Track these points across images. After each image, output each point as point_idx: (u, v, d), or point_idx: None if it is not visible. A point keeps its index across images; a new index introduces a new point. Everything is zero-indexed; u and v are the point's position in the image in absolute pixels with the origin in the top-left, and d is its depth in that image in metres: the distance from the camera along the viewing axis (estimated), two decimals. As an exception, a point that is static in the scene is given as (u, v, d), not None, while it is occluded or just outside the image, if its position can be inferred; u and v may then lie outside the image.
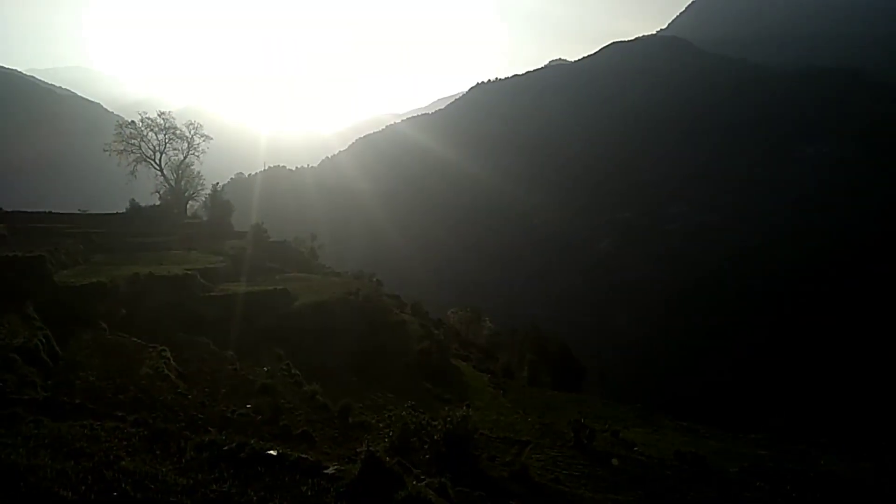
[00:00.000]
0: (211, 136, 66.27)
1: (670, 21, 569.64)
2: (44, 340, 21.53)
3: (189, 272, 35.47)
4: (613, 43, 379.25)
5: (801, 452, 29.90)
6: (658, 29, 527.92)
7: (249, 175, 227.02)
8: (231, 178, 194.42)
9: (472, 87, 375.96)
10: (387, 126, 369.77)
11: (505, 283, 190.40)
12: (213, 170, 78.45)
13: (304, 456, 10.68)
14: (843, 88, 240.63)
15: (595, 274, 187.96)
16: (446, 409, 23.36)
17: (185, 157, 63.53)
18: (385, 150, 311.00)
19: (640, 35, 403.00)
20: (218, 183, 70.29)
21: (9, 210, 51.47)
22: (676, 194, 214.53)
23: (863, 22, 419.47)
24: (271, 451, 10.49)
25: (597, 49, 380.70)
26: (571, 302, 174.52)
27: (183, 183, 63.50)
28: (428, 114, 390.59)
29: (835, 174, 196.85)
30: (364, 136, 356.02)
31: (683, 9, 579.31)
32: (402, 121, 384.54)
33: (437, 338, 43.30)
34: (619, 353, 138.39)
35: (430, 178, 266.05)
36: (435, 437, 18.64)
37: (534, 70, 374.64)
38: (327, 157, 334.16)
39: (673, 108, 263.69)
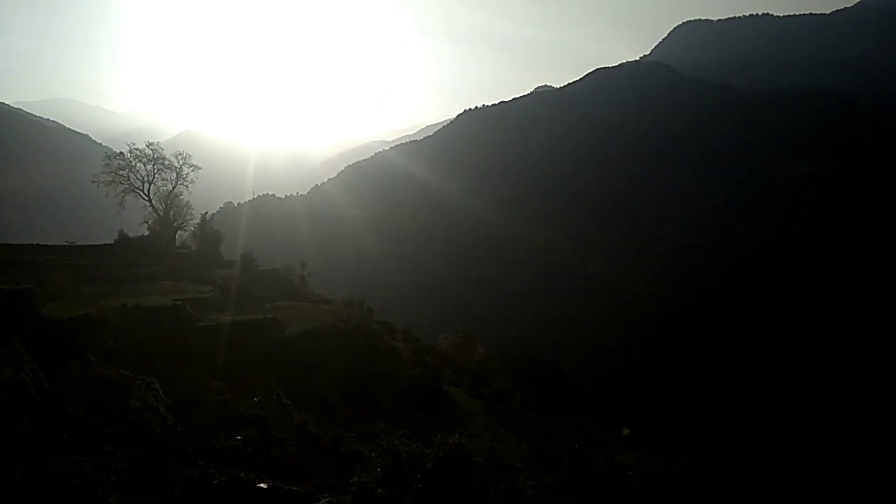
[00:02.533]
0: (200, 165, 66.22)
1: (653, 47, 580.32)
2: (31, 374, 21.28)
3: (178, 302, 35.27)
4: (598, 69, 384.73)
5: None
6: (641, 55, 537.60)
7: (238, 204, 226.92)
8: (220, 207, 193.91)
9: (459, 114, 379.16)
10: (375, 153, 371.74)
11: (495, 308, 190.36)
12: (202, 199, 78.39)
13: (295, 488, 10.55)
14: (824, 110, 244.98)
15: (584, 296, 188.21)
16: (439, 436, 23.09)
17: (173, 187, 63.32)
18: (374, 176, 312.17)
19: (625, 61, 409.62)
20: (207, 212, 70.05)
21: (-5, 242, 51.16)
22: (663, 216, 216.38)
23: (844, 45, 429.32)
24: (262, 485, 10.37)
25: (582, 75, 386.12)
26: (562, 325, 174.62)
27: (172, 213, 63.22)
28: (416, 140, 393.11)
29: (817, 194, 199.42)
30: (353, 164, 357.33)
31: (666, 35, 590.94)
32: (391, 148, 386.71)
33: (428, 364, 43.06)
34: (611, 375, 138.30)
35: (419, 205, 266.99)
36: (428, 466, 18.40)
37: (520, 96, 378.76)
38: (316, 184, 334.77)
39: (658, 132, 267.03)
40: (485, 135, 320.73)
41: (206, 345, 31.62)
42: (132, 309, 32.20)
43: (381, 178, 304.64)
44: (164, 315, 33.14)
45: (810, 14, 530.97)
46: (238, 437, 20.98)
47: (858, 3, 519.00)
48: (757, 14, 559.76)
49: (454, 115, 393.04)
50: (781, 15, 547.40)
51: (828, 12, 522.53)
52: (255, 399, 26.94)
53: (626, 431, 23.96)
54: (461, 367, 60.85)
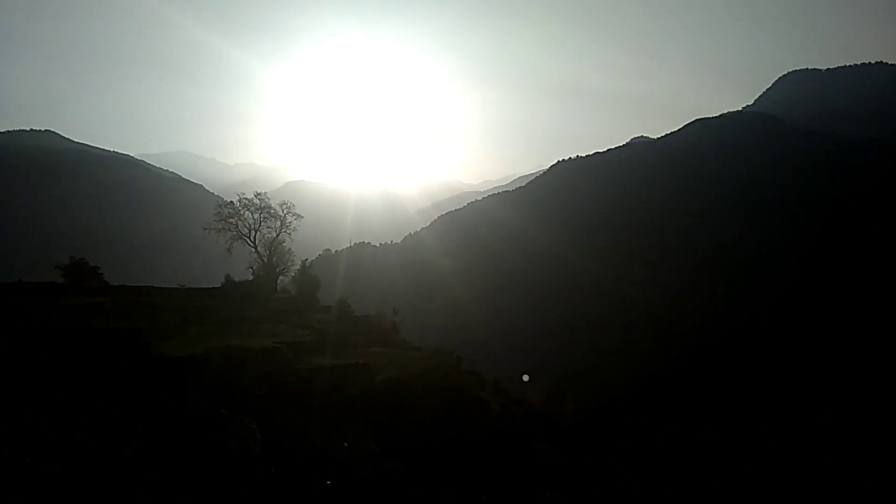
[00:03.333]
0: (303, 214, 69.52)
1: (757, 97, 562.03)
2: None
3: (277, 345, 36.70)
4: (697, 119, 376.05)
5: None
6: (744, 105, 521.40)
7: (336, 251, 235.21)
8: (319, 254, 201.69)
9: (552, 165, 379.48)
10: (468, 203, 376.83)
11: (587, 361, 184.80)
12: (303, 246, 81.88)
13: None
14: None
15: (688, 351, 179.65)
16: (524, 494, 22.66)
17: (277, 235, 66.65)
18: (467, 225, 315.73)
19: (726, 111, 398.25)
20: (307, 259, 73.01)
21: (114, 284, 55.46)
22: (764, 273, 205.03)
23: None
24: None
25: (681, 126, 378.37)
26: (662, 384, 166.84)
27: (275, 259, 66.35)
28: (508, 191, 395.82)
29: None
30: (446, 213, 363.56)
31: (770, 84, 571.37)
32: (484, 197, 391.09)
33: (517, 417, 42.37)
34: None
35: (511, 254, 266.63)
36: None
37: (615, 147, 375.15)
38: (410, 232, 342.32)
39: (761, 184, 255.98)
40: (578, 185, 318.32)
41: (302, 387, 32.62)
42: (235, 350, 33.80)
43: (474, 227, 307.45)
44: (265, 357, 34.54)
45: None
46: (328, 482, 21.35)
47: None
48: (870, 62, 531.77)
49: (547, 166, 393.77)
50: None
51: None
52: (345, 444, 27.37)
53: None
54: (552, 420, 59.32)
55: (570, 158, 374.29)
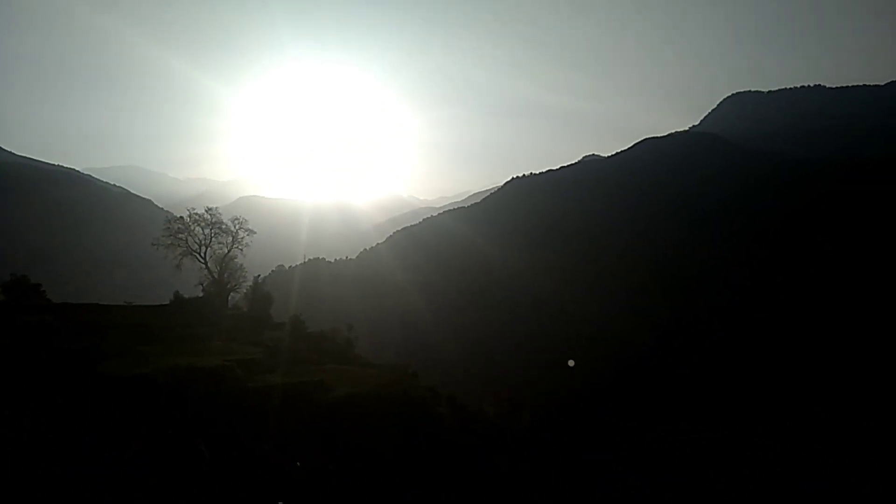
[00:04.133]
0: (255, 230, 68.40)
1: (703, 117, 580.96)
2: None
3: (228, 363, 35.89)
4: (647, 139, 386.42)
5: None
6: (690, 125, 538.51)
7: (290, 267, 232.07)
8: (272, 270, 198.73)
9: (507, 182, 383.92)
10: (424, 218, 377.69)
11: (542, 375, 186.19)
12: (256, 262, 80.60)
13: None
14: (885, 180, 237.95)
15: (635, 369, 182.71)
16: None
17: (229, 251, 65.37)
18: (423, 241, 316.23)
19: (674, 131, 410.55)
20: (259, 275, 71.82)
21: (58, 302, 53.39)
22: (711, 287, 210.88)
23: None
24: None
25: (630, 144, 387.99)
26: (609, 398, 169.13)
27: (226, 275, 65.03)
28: (464, 206, 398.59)
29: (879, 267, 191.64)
30: (402, 228, 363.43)
31: (715, 105, 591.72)
32: (440, 213, 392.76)
33: (474, 432, 42.30)
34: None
35: (468, 270, 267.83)
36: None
37: (568, 165, 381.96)
38: (365, 248, 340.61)
39: (706, 202, 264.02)
40: (533, 202, 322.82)
41: (254, 406, 31.90)
42: (184, 369, 32.91)
43: (430, 243, 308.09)
44: (215, 376, 33.71)
45: (864, 85, 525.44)
46: (280, 503, 20.90)
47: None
48: (809, 85, 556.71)
49: (501, 183, 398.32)
50: (834, 86, 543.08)
51: (882, 83, 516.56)
52: (298, 464, 26.84)
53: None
54: (508, 432, 59.43)
55: (523, 175, 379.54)
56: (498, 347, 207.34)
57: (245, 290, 66.97)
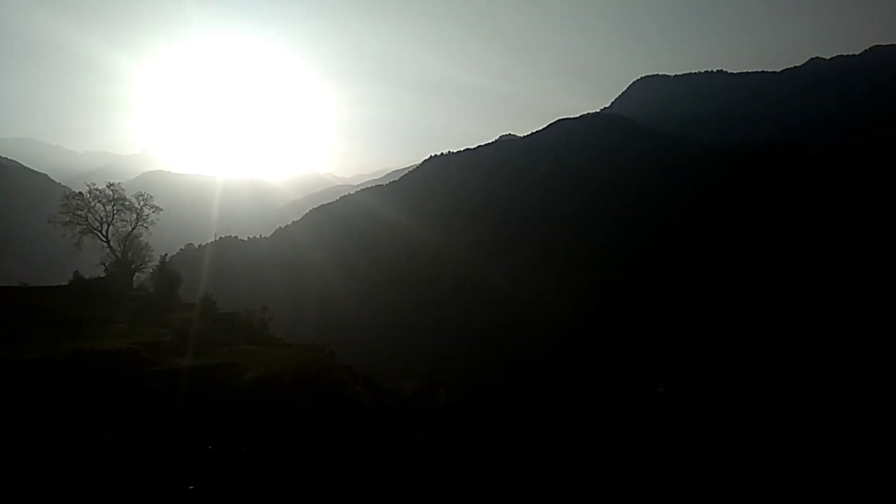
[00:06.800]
0: (161, 207, 65.59)
1: (613, 99, 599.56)
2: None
3: (133, 346, 34.47)
4: (561, 119, 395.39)
5: None
6: (602, 107, 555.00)
7: (200, 246, 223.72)
8: (181, 249, 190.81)
9: (425, 160, 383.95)
10: (341, 196, 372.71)
11: (462, 350, 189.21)
12: (164, 241, 77.38)
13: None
14: (773, 163, 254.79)
15: (551, 343, 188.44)
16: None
17: (133, 229, 62.55)
18: (341, 219, 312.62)
19: (586, 112, 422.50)
20: (167, 254, 69.07)
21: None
22: (628, 264, 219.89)
23: (793, 100, 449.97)
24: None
25: (545, 125, 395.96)
26: (526, 370, 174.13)
27: (130, 255, 62.25)
28: (382, 185, 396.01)
29: (775, 244, 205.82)
30: (320, 206, 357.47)
31: (625, 88, 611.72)
32: (358, 191, 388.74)
33: (390, 410, 42.61)
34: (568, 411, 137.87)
35: (387, 247, 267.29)
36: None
37: (485, 144, 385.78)
38: (281, 227, 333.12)
39: (617, 182, 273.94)
40: (451, 180, 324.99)
41: (161, 390, 30.83)
42: (85, 353, 31.33)
43: (349, 221, 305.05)
44: (119, 359, 32.30)
45: (762, 72, 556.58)
46: (191, 487, 20.42)
47: (807, 62, 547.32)
48: (712, 70, 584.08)
49: (419, 161, 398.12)
50: (735, 72, 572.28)
51: (778, 70, 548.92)
52: (209, 447, 26.22)
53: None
54: (424, 413, 60.22)
55: (441, 154, 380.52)
56: (418, 326, 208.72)
57: (151, 270, 64.47)
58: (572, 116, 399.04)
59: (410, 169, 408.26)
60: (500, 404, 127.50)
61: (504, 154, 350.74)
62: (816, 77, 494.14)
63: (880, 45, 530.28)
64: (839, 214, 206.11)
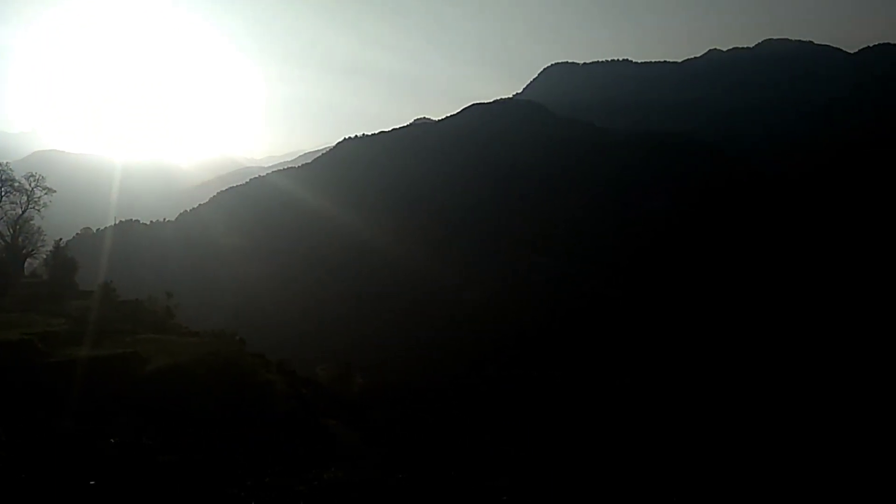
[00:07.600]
0: (55, 188, 61.70)
1: (525, 86, 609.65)
2: None
3: (26, 337, 32.50)
4: (474, 104, 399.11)
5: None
6: (515, 93, 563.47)
7: (98, 230, 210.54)
8: (77, 234, 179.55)
9: (339, 142, 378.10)
10: (252, 178, 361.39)
11: (377, 334, 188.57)
12: (59, 225, 72.92)
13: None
14: (677, 150, 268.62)
15: (464, 324, 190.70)
16: (313, 471, 22.84)
17: (23, 212, 58.78)
18: (252, 201, 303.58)
19: (499, 98, 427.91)
20: (61, 239, 65.15)
21: None
22: (538, 246, 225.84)
23: (694, 91, 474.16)
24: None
25: (458, 109, 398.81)
26: (443, 353, 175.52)
27: (21, 239, 58.46)
28: (295, 167, 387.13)
29: (671, 227, 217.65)
30: (229, 188, 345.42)
31: (536, 75, 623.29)
32: (270, 173, 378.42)
33: (304, 397, 42.17)
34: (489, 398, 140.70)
35: (301, 231, 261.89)
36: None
37: (400, 127, 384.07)
38: (187, 209, 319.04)
39: (529, 166, 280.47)
40: (365, 163, 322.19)
41: (57, 382, 29.23)
42: (-30, 346, 29.26)
43: (260, 204, 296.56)
44: (11, 351, 30.37)
45: (664, 62, 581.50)
46: (92, 482, 19.54)
47: (705, 54, 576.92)
48: (617, 59, 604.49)
49: (333, 143, 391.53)
50: (639, 61, 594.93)
51: (679, 60, 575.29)
52: (112, 440, 25.13)
53: None
54: (340, 398, 59.97)
55: (356, 136, 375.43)
56: (336, 312, 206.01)
57: (45, 256, 60.83)
58: (486, 101, 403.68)
59: (324, 151, 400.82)
60: (435, 386, 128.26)
61: (418, 137, 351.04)
62: (714, 67, 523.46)
63: (771, 40, 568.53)
64: (745, 196, 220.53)
